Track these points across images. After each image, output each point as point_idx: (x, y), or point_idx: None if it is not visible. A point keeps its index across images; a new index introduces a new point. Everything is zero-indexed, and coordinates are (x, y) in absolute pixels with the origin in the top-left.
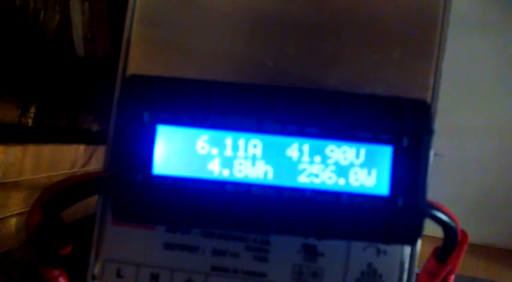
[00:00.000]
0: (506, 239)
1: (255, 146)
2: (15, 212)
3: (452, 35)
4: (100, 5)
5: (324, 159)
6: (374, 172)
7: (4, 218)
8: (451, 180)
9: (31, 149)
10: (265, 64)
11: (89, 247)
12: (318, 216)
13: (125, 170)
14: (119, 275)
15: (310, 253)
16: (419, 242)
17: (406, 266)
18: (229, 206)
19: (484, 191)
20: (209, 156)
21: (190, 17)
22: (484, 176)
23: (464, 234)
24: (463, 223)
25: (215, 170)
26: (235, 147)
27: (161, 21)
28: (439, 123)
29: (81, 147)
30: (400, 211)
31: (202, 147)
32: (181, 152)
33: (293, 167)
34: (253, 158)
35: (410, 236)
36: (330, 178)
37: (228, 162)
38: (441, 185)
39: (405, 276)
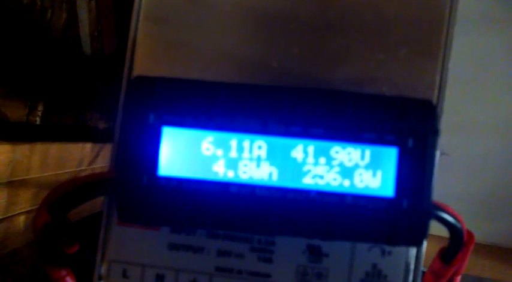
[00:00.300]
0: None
1: (259, 148)
2: (23, 210)
3: (458, 32)
4: (106, 3)
5: (329, 160)
6: (379, 173)
7: (12, 216)
8: (457, 178)
9: (39, 147)
10: (270, 64)
11: (95, 245)
12: (323, 217)
13: (131, 171)
14: (124, 275)
15: (315, 254)
16: (425, 243)
17: (412, 266)
18: (234, 207)
19: (489, 189)
20: (214, 158)
21: (196, 16)
22: (490, 174)
23: (470, 234)
24: (468, 222)
25: (220, 171)
26: (240, 149)
27: (167, 20)
28: (445, 121)
29: (88, 146)
30: (405, 213)
31: (207, 149)
32: (186, 153)
33: (298, 168)
34: (258, 159)
35: (416, 237)
36: (334, 179)
37: (232, 164)
38: (446, 183)
39: (411, 277)
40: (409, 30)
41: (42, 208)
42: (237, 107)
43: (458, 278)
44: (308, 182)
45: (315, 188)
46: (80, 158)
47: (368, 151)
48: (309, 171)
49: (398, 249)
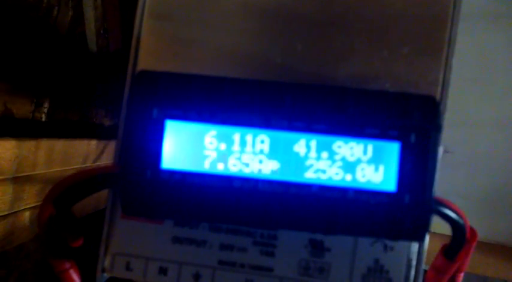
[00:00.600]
0: None
1: (262, 142)
2: (28, 206)
3: (463, 29)
4: (112, 1)
5: (331, 155)
6: (381, 168)
7: (18, 211)
8: (460, 176)
9: (44, 143)
10: (274, 60)
11: (99, 240)
12: (325, 211)
13: (134, 165)
14: (128, 268)
15: (317, 248)
16: (427, 239)
17: (414, 262)
18: (236, 201)
19: (493, 187)
20: (217, 151)
21: (200, 13)
22: (493, 172)
23: (473, 231)
24: (472, 220)
25: (223, 165)
26: (242, 143)
27: (171, 17)
28: (449, 119)
29: (93, 142)
30: (407, 207)
31: (210, 143)
32: (189, 147)
33: (300, 162)
34: (261, 153)
35: (418, 232)
36: (337, 174)
37: (235, 158)
38: (450, 181)
39: (412, 273)
40: (412, 27)
41: (46, 202)
42: (240, 101)
43: (461, 275)
44: (310, 176)
45: (317, 182)
46: (85, 154)
47: (370, 146)
48: (311, 165)
49: (401, 245)
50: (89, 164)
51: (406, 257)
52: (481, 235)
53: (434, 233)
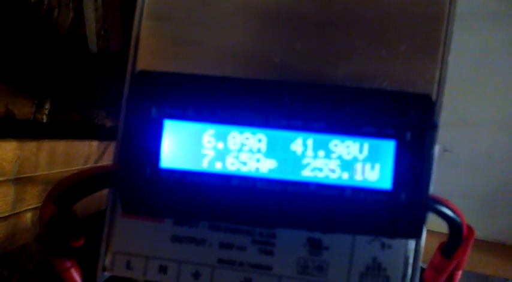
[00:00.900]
0: None
1: (260, 141)
2: (30, 207)
3: (463, 28)
4: (113, 2)
5: (328, 153)
6: (377, 166)
7: (20, 212)
8: (460, 175)
9: (46, 144)
10: (272, 59)
11: (100, 239)
12: (322, 210)
13: (134, 164)
14: (128, 266)
15: (315, 247)
16: (423, 236)
17: (411, 260)
18: (234, 199)
19: (494, 186)
20: (215, 150)
21: (199, 12)
22: (494, 171)
23: (470, 229)
24: (472, 219)
25: (220, 163)
26: (240, 142)
27: (170, 17)
28: (449, 118)
29: (94, 143)
30: (403, 205)
31: (209, 142)
32: (188, 146)
33: (297, 161)
34: (258, 152)
35: (414, 230)
36: (333, 172)
37: (233, 156)
38: (450, 180)
39: (410, 271)
40: (409, 26)
41: (47, 201)
42: (238, 100)
43: (459, 273)
44: (307, 174)
45: (314, 180)
46: (87, 155)
47: (366, 144)
48: (308, 164)
49: (398, 243)
50: (90, 165)
51: (404, 254)
52: (481, 234)
53: (432, 231)
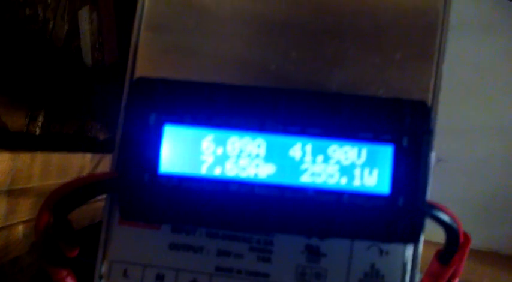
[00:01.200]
0: None
1: (258, 146)
2: (23, 219)
3: (458, 37)
4: (108, 15)
5: (326, 159)
6: (375, 171)
7: (12, 224)
8: (456, 184)
9: (39, 156)
10: (268, 67)
11: (95, 251)
12: (321, 215)
13: (132, 169)
14: (125, 275)
15: (313, 254)
16: (421, 242)
17: (409, 267)
18: (233, 204)
19: (489, 195)
20: (214, 156)
21: (196, 22)
22: (489, 180)
23: (466, 236)
24: (468, 228)
25: (219, 169)
26: (239, 147)
27: (167, 27)
28: (444, 126)
29: (88, 156)
30: (401, 210)
31: (207, 147)
32: (186, 151)
33: (296, 166)
34: (257, 157)
35: (412, 234)
36: (332, 177)
37: (232, 162)
38: (446, 189)
39: (408, 277)
40: (404, 35)
41: (44, 208)
42: (237, 106)
43: (456, 280)
44: (306, 180)
45: (312, 185)
46: (81, 167)
47: (364, 150)
48: (306, 169)
49: (396, 249)
50: None
51: (401, 261)
52: (476, 243)
53: (429, 241)
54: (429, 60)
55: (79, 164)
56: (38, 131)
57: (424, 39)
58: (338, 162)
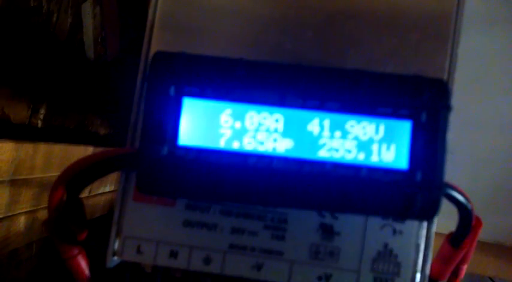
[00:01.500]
0: None
1: (277, 121)
2: (24, 210)
3: (464, 32)
4: (111, 9)
5: (344, 134)
6: (393, 147)
7: (13, 215)
8: (462, 177)
9: (42, 147)
10: (284, 47)
11: (94, 247)
12: (338, 189)
13: (152, 141)
14: (139, 251)
15: (327, 232)
16: (435, 223)
17: (422, 246)
18: (250, 178)
19: (495, 187)
20: (232, 129)
21: (213, 2)
22: (495, 172)
23: (478, 219)
24: None
25: (238, 143)
26: (258, 121)
27: (182, 7)
28: (450, 119)
29: (90, 149)
30: (418, 185)
31: (226, 121)
32: (205, 124)
33: (314, 141)
34: (275, 132)
35: (428, 211)
36: (349, 152)
37: (250, 136)
38: (452, 181)
39: (421, 257)
40: (420, 16)
41: (59, 184)
42: (256, 80)
43: (465, 267)
44: (323, 154)
45: (330, 160)
46: None
47: (382, 125)
48: (324, 144)
49: (409, 229)
50: None
51: (415, 241)
52: (482, 235)
53: (440, 233)
54: (445, 41)
55: (81, 156)
56: (40, 124)
57: (440, 20)
58: (356, 137)
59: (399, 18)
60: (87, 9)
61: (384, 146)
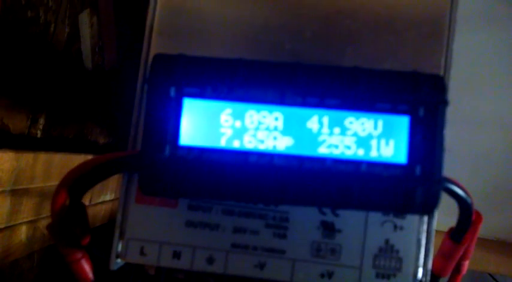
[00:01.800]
0: None
1: (276, 119)
2: (25, 220)
3: (460, 29)
4: (108, 19)
5: (343, 130)
6: (392, 142)
7: (15, 225)
8: (460, 174)
9: (42, 156)
10: (283, 46)
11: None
12: (338, 185)
13: (154, 142)
14: (142, 252)
15: (328, 230)
16: (435, 217)
17: (423, 241)
18: (252, 176)
19: (493, 184)
20: (232, 129)
21: (212, 2)
22: (493, 169)
23: (478, 214)
24: None
25: (238, 142)
26: (257, 120)
27: (182, 8)
28: (448, 117)
29: (90, 157)
30: (418, 179)
31: (226, 120)
32: (205, 124)
33: (313, 138)
34: (275, 130)
35: (428, 205)
36: (349, 149)
37: (250, 134)
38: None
39: (422, 252)
40: (415, 14)
41: (61, 188)
42: (254, 79)
43: (466, 263)
44: (323, 151)
45: (330, 156)
46: None
47: (381, 121)
48: (324, 141)
49: (410, 224)
50: None
51: (416, 236)
52: (482, 232)
53: (441, 231)
54: (440, 38)
55: None
56: (39, 134)
57: (436, 18)
58: (355, 133)
59: (396, 17)
60: (84, 19)
61: (383, 141)
